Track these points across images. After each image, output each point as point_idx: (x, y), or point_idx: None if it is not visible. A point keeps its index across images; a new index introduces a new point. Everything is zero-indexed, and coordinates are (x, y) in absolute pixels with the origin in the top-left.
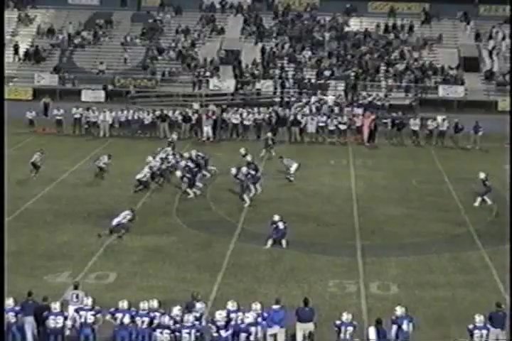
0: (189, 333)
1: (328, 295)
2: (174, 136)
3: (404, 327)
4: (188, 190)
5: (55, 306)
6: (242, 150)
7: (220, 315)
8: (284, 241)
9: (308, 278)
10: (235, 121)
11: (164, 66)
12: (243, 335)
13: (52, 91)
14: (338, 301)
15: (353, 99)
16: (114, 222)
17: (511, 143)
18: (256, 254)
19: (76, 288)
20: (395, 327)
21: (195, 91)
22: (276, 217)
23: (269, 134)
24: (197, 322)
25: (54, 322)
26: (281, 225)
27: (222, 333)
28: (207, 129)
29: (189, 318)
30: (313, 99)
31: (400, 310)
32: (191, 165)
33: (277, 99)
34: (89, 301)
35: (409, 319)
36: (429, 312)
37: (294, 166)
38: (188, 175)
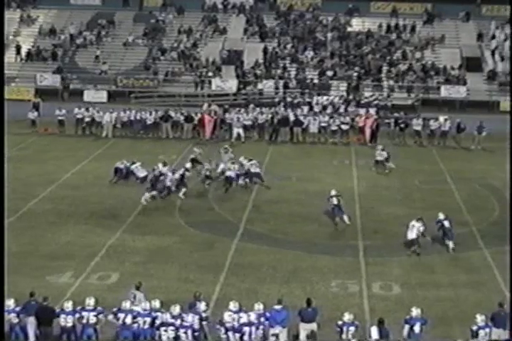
0: (186, 333)
1: (331, 295)
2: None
3: (416, 328)
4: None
5: (68, 305)
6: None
7: (229, 316)
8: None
9: (311, 278)
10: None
11: (166, 66)
12: (237, 335)
13: (55, 92)
14: (341, 301)
15: (355, 99)
16: None
17: (511, 143)
18: (258, 254)
19: (138, 288)
20: (407, 327)
21: (198, 92)
22: (442, 216)
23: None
24: (196, 323)
25: (64, 321)
26: (447, 223)
27: (231, 334)
28: (237, 130)
29: (188, 318)
30: (318, 98)
31: (415, 311)
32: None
33: (278, 99)
34: (91, 301)
35: (423, 321)
36: (432, 312)
37: (220, 166)
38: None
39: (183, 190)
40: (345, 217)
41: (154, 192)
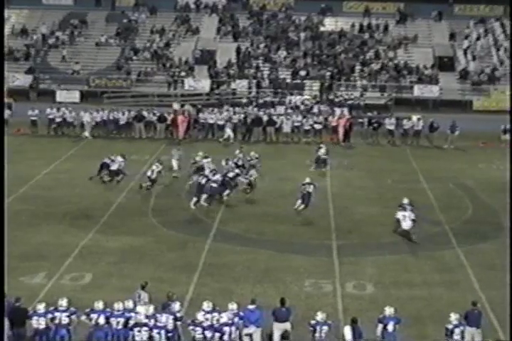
0: (159, 333)
1: (304, 295)
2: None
3: (390, 327)
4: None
5: (40, 307)
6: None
7: (203, 316)
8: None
9: (285, 278)
10: (210, 121)
11: (139, 66)
12: (216, 335)
13: (27, 92)
14: (314, 301)
15: (328, 98)
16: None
17: (511, 143)
18: (232, 254)
19: (143, 288)
20: (380, 326)
21: (171, 92)
22: (406, 200)
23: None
24: (170, 323)
25: (37, 322)
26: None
27: (208, 334)
28: (228, 131)
29: (162, 318)
30: (291, 98)
31: (388, 310)
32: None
33: (249, 100)
34: (64, 302)
35: (397, 320)
36: (406, 312)
37: (174, 163)
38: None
39: (227, 191)
40: (302, 207)
41: (205, 196)
